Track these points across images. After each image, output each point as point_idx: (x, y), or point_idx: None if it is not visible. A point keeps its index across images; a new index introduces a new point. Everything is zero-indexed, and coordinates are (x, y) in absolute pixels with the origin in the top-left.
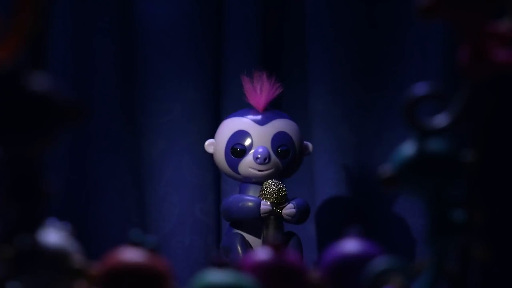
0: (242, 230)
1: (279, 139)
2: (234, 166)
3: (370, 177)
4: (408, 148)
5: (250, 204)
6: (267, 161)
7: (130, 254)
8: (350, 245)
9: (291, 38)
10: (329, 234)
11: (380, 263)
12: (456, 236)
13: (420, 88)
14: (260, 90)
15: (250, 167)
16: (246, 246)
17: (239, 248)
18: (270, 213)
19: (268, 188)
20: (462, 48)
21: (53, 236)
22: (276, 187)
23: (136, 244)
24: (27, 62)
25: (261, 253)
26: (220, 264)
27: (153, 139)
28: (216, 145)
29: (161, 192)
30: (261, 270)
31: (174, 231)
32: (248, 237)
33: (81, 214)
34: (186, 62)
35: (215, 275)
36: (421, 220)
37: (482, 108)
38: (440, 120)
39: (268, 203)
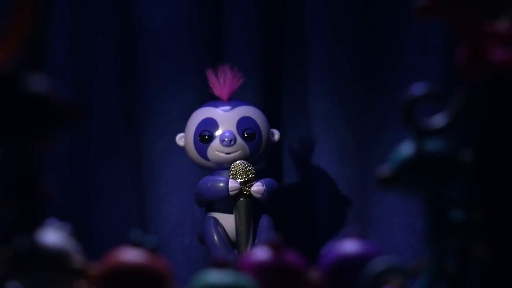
0: (215, 214)
1: (244, 123)
2: (203, 152)
3: (370, 177)
4: (406, 149)
5: (218, 183)
6: (232, 143)
7: (130, 254)
8: (350, 246)
9: (291, 38)
10: (329, 234)
11: (379, 263)
12: (455, 236)
13: (418, 88)
14: (223, 81)
15: (218, 151)
16: (220, 229)
17: (213, 230)
18: (238, 191)
19: (236, 167)
20: (460, 48)
21: (53, 236)
22: (244, 167)
23: (136, 244)
24: (25, 63)
25: (261, 253)
26: (220, 264)
27: (153, 139)
28: (185, 137)
29: (161, 192)
30: (260, 270)
31: (174, 231)
32: (222, 220)
33: (81, 214)
34: (186, 62)
35: (215, 275)
36: (421, 220)
37: (480, 108)
38: (438, 120)
39: (238, 181)
